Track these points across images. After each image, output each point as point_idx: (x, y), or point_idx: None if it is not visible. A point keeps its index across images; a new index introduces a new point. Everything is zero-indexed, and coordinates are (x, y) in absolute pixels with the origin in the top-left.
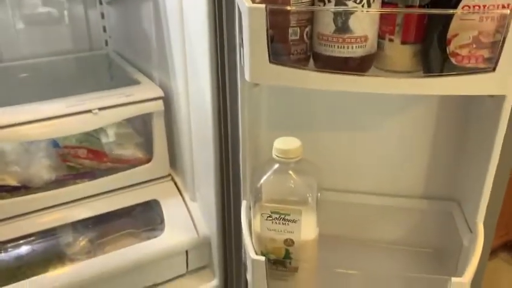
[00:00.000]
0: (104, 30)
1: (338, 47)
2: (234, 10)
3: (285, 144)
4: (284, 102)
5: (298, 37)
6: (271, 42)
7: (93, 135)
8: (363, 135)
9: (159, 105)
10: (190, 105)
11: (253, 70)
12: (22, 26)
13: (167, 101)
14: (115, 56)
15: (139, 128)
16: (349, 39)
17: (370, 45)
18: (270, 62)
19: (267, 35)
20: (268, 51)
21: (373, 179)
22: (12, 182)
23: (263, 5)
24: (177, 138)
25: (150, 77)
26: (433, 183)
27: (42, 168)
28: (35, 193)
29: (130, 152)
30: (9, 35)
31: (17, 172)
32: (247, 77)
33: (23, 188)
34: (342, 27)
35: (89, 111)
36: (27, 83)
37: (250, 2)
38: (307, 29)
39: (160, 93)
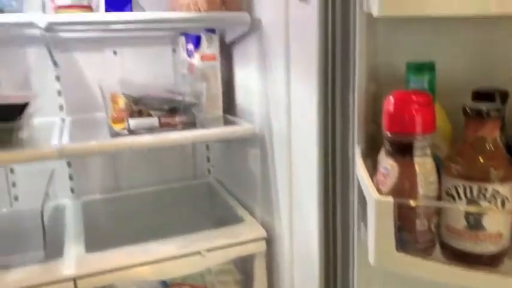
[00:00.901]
0: (208, 160)
1: (470, 242)
2: (350, 170)
3: None
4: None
5: (425, 228)
6: (398, 231)
7: (197, 272)
8: None
9: (261, 246)
10: (294, 249)
11: (378, 256)
12: (138, 157)
13: (269, 240)
14: (217, 185)
15: (239, 263)
16: (482, 236)
17: (504, 241)
18: (396, 250)
19: (395, 225)
20: (395, 240)
21: None
22: None
23: (391, 200)
24: (277, 279)
25: (252, 212)
26: None
27: None
28: None
29: None
30: (125, 165)
31: None
32: (371, 260)
33: None
34: (475, 225)
35: (198, 252)
36: (141, 213)
37: (377, 193)
38: (434, 220)
39: (264, 233)
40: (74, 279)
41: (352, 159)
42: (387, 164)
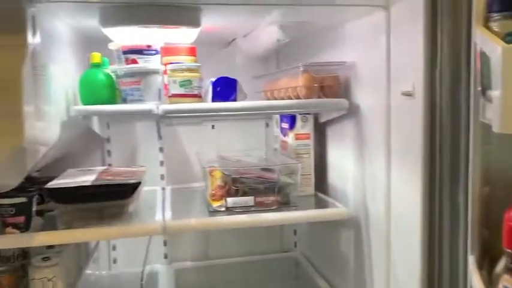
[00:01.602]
0: (295, 233)
1: None
2: (459, 278)
3: None
4: None
5: None
6: None
7: None
8: None
9: None
10: None
11: None
12: (227, 229)
13: None
14: (303, 261)
15: None
16: None
17: None
18: None
19: None
20: None
21: None
22: None
23: None
24: None
25: None
26: None
27: None
28: None
29: None
30: (215, 234)
31: None
32: None
33: None
34: None
35: None
36: (228, 284)
37: None
38: None
39: None
40: None
41: (462, 268)
42: (508, 283)
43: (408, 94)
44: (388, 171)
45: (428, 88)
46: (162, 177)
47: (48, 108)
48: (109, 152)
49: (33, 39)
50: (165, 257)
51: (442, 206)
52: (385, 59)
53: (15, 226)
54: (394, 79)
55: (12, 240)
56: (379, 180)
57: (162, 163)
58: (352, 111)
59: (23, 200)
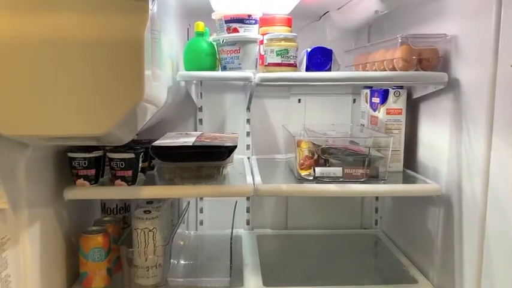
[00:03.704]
0: (376, 211)
1: None
2: None
3: None
4: None
5: None
6: None
7: None
8: None
9: None
10: None
11: None
12: (307, 200)
13: None
14: (384, 238)
15: None
16: None
17: None
18: None
19: None
20: None
21: None
22: None
23: None
24: None
25: (424, 273)
26: None
27: None
28: None
29: None
30: (295, 206)
31: None
32: None
33: None
34: None
35: None
36: (307, 253)
37: None
38: None
39: None
40: None
41: None
42: None
43: None
44: (488, 149)
45: None
46: (247, 147)
47: (159, 72)
48: (201, 121)
49: (152, 5)
50: (247, 223)
51: None
52: (493, 30)
53: (123, 179)
54: (502, 51)
55: (122, 192)
56: (477, 158)
57: (248, 134)
58: (451, 86)
59: (131, 155)
